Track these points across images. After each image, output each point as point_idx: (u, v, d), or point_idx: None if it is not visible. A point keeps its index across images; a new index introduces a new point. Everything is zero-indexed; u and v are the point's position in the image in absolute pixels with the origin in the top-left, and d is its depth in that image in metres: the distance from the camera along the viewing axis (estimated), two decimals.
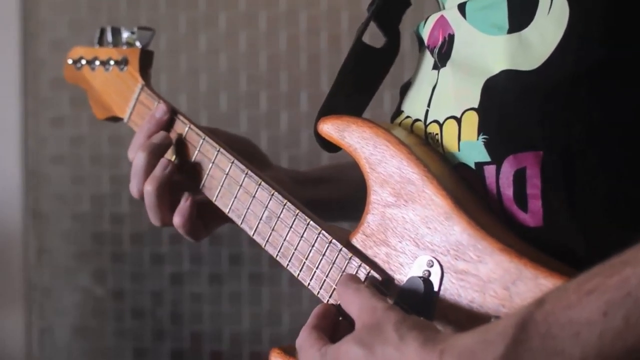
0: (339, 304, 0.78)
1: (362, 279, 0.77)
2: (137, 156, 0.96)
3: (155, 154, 0.96)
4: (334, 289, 0.80)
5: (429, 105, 0.81)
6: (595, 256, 0.66)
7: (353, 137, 0.81)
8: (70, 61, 1.16)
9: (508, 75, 0.72)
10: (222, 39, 2.25)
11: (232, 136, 1.02)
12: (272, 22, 2.22)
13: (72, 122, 2.31)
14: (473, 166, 0.75)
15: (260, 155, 1.03)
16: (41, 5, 2.33)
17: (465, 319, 0.70)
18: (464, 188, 0.75)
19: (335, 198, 1.03)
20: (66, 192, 2.35)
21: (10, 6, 2.31)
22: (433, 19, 0.84)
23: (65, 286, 2.37)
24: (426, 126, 0.81)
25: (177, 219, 0.95)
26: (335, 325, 0.76)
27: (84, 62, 1.14)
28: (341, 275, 0.79)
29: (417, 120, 0.83)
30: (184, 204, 0.95)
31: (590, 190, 0.69)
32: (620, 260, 0.58)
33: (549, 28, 0.70)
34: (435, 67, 0.83)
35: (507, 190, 0.72)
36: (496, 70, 0.73)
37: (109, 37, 1.10)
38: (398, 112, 0.89)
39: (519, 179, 0.71)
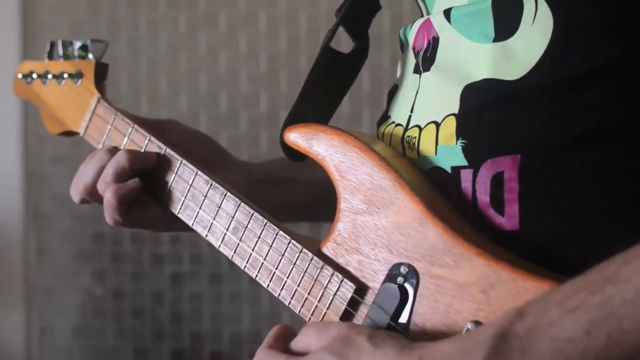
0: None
1: (335, 288, 0.77)
2: (117, 157, 0.93)
3: (135, 164, 0.93)
4: (306, 298, 0.79)
5: (412, 111, 0.81)
6: (572, 259, 0.66)
7: (321, 145, 0.80)
8: (20, 76, 1.13)
9: (489, 84, 0.72)
10: (222, 39, 2.25)
11: (189, 132, 1.01)
12: (272, 22, 2.22)
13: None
14: (449, 170, 0.75)
15: (219, 151, 1.02)
16: (41, 5, 2.33)
17: (442, 324, 0.70)
18: (437, 194, 0.75)
19: (298, 201, 1.02)
20: (66, 192, 2.32)
21: (10, 6, 2.31)
22: (419, 22, 0.83)
23: (65, 286, 2.37)
24: (406, 130, 0.81)
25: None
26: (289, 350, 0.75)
27: (35, 76, 1.11)
28: (314, 283, 0.79)
29: (398, 124, 0.83)
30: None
31: (568, 193, 0.69)
32: (603, 277, 0.59)
33: (533, 38, 0.70)
34: (417, 70, 0.82)
35: (484, 194, 0.72)
36: (478, 77, 0.73)
37: (59, 50, 1.08)
38: (385, 117, 0.88)
39: (496, 182, 0.71)
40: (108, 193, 0.92)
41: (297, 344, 0.73)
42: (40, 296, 2.38)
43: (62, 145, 2.33)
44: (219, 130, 2.22)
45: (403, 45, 0.89)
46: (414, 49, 0.84)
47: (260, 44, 2.23)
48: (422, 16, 0.85)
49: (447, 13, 0.78)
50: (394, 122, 0.85)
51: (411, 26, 0.86)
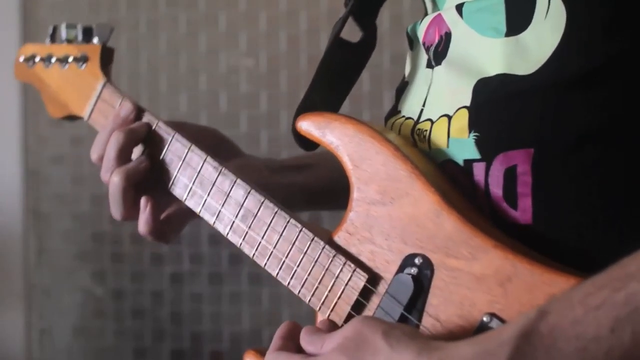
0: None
1: (347, 278, 0.76)
2: (112, 140, 0.91)
3: (131, 138, 0.91)
4: (317, 287, 0.79)
5: (424, 105, 0.81)
6: (585, 253, 0.66)
7: (335, 134, 0.78)
8: (22, 58, 1.11)
9: (503, 79, 0.72)
10: (222, 39, 2.25)
11: (201, 128, 1.00)
12: (272, 22, 2.22)
13: (72, 122, 2.30)
14: (462, 163, 0.74)
15: (230, 145, 1.01)
16: (41, 5, 2.33)
17: (456, 316, 0.70)
18: (451, 186, 0.75)
19: (312, 185, 1.01)
20: (66, 192, 2.35)
21: (10, 6, 2.31)
22: (429, 18, 0.83)
23: (65, 286, 2.37)
24: (417, 123, 0.80)
25: (144, 228, 0.92)
26: (300, 347, 0.74)
27: (37, 59, 1.09)
28: (325, 272, 0.78)
29: (409, 118, 0.83)
30: (146, 211, 0.91)
31: (582, 188, 0.69)
32: (626, 273, 0.58)
33: (546, 33, 0.70)
34: (429, 65, 0.82)
35: (496, 188, 0.72)
36: (492, 72, 0.73)
37: (63, 34, 1.06)
38: (395, 112, 0.88)
39: (510, 176, 0.71)
40: (115, 177, 0.90)
41: (310, 342, 0.72)
42: (40, 296, 2.38)
43: (62, 145, 2.33)
44: (219, 130, 2.22)
45: (412, 42, 0.89)
46: (424, 44, 0.84)
47: (260, 44, 2.23)
48: (427, 13, 0.85)
49: (459, 8, 0.78)
50: (404, 115, 0.84)
51: (421, 22, 0.86)
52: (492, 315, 0.67)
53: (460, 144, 0.74)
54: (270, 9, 2.21)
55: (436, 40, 0.81)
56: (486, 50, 0.74)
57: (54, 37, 1.08)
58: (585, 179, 0.69)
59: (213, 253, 2.25)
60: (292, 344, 0.75)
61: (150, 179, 0.92)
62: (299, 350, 0.74)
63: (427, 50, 0.83)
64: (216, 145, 0.94)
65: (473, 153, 0.73)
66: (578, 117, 0.69)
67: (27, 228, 2.36)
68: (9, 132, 2.33)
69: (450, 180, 0.75)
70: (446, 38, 0.79)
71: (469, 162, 0.74)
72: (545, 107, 0.70)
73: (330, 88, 0.89)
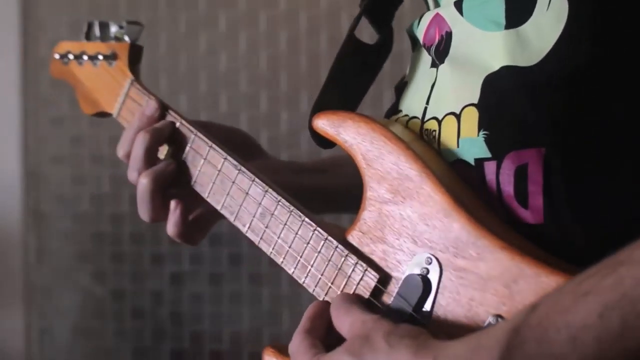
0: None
1: (359, 278, 0.77)
2: (138, 140, 0.93)
3: (157, 137, 0.93)
4: (330, 287, 0.79)
5: (427, 103, 0.81)
6: (596, 252, 0.66)
7: (349, 132, 0.79)
8: (57, 56, 1.14)
9: (508, 71, 0.72)
10: (222, 39, 2.25)
11: (225, 128, 1.01)
12: (272, 22, 2.22)
13: (72, 122, 2.31)
14: (472, 162, 0.74)
15: (254, 146, 1.02)
16: (41, 5, 2.33)
17: (464, 317, 0.70)
18: (462, 185, 0.75)
19: (332, 187, 1.02)
20: (66, 192, 2.35)
21: (10, 6, 2.31)
22: (428, 17, 0.83)
23: (65, 286, 2.37)
24: (423, 123, 0.80)
25: (172, 230, 0.94)
26: (329, 325, 0.75)
27: (71, 56, 1.12)
28: (338, 272, 0.79)
29: (413, 117, 0.82)
30: (175, 213, 0.93)
31: (593, 186, 0.69)
32: (616, 260, 0.58)
33: (547, 24, 0.70)
34: (434, 64, 0.82)
35: (508, 187, 0.71)
36: (496, 66, 0.73)
37: (96, 31, 1.08)
38: (395, 111, 0.88)
39: (520, 175, 0.70)
40: (143, 179, 0.91)
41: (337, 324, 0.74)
42: (40, 296, 2.38)
43: (62, 145, 2.33)
44: None
45: (415, 43, 0.89)
46: (424, 44, 0.84)
47: (260, 44, 2.23)
48: (428, 9, 0.85)
49: (458, 5, 0.78)
50: (407, 115, 0.84)
51: (419, 22, 0.85)
52: (499, 316, 0.67)
53: (471, 143, 0.74)
54: (270, 9, 2.22)
55: (437, 40, 0.81)
56: (488, 45, 0.74)
57: (88, 35, 1.10)
58: (596, 177, 0.69)
59: (213, 253, 2.25)
60: (319, 323, 0.76)
61: (176, 178, 0.94)
62: (328, 330, 0.75)
63: (429, 50, 0.83)
64: (240, 145, 0.95)
65: (484, 152, 0.73)
66: (588, 111, 0.69)
67: (27, 228, 2.36)
68: (9, 132, 2.33)
69: (462, 179, 0.75)
70: (447, 37, 0.79)
71: (479, 161, 0.73)
72: (552, 103, 0.70)
73: (346, 87, 0.89)
